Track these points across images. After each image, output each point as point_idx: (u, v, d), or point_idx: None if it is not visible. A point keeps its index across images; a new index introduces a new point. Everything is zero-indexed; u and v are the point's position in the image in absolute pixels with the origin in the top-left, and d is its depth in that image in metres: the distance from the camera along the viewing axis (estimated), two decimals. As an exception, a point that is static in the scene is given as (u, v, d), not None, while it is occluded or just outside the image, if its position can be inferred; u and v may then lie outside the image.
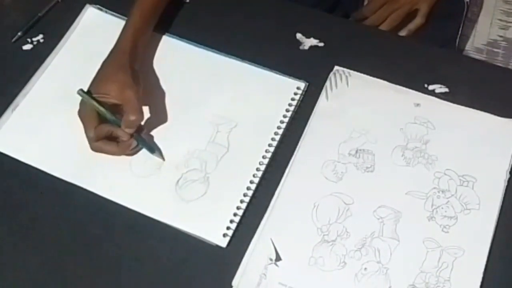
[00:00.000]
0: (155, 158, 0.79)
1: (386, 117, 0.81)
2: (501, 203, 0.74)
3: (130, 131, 0.76)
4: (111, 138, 0.77)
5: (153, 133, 0.81)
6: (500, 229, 0.73)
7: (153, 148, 0.79)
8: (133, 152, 0.79)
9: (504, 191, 0.75)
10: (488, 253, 0.71)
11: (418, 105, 0.82)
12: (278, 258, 0.72)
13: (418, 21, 0.97)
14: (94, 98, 0.76)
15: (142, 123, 0.78)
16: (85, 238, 0.74)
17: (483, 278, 0.70)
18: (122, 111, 0.76)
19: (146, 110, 0.80)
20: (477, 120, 0.80)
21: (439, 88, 0.83)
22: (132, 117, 0.75)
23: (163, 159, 0.79)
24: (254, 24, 0.90)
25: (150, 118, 0.81)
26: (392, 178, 0.77)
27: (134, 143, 0.77)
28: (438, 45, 0.92)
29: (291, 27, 0.89)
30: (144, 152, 0.79)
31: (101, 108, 0.76)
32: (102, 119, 0.77)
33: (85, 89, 0.77)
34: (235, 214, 0.74)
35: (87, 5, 0.92)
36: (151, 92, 0.84)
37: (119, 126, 0.76)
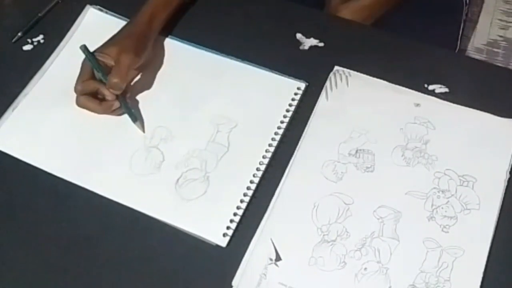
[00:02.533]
0: (154, 157, 0.79)
1: (386, 117, 0.81)
2: (501, 203, 0.74)
3: (114, 92, 0.79)
4: (98, 99, 0.81)
5: (153, 132, 0.81)
6: (500, 229, 0.73)
7: (136, 117, 0.81)
8: (115, 113, 0.81)
9: (504, 191, 0.75)
10: (488, 253, 0.71)
11: (418, 105, 0.82)
12: (278, 258, 0.72)
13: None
14: (94, 57, 0.80)
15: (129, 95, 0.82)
16: (85, 237, 0.74)
17: (483, 278, 0.70)
18: None
19: (148, 103, 0.81)
20: (477, 120, 0.80)
21: (439, 88, 0.83)
22: (115, 79, 0.78)
23: (143, 131, 0.81)
24: (254, 24, 0.90)
25: (150, 117, 0.82)
26: (392, 178, 0.77)
27: (117, 104, 0.80)
28: (438, 45, 0.92)
29: (291, 27, 0.89)
30: (143, 151, 0.79)
31: (94, 63, 0.79)
32: (96, 79, 0.80)
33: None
34: (235, 214, 0.74)
35: (88, 6, 0.92)
36: (151, 92, 0.84)
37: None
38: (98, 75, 0.80)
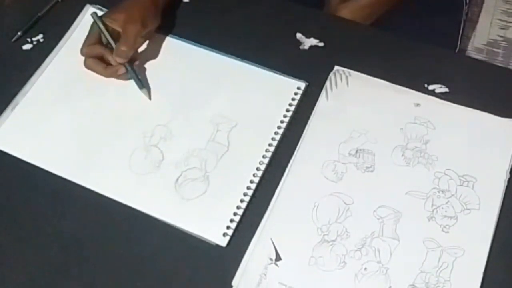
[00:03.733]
0: (154, 155, 0.79)
1: (386, 117, 0.81)
2: (501, 203, 0.74)
3: (119, 60, 0.82)
4: (105, 62, 0.83)
5: (152, 131, 0.81)
6: (500, 229, 0.73)
7: (142, 84, 0.83)
8: (121, 78, 0.84)
9: (504, 191, 0.75)
10: (488, 253, 0.71)
11: (418, 105, 0.82)
12: (278, 258, 0.72)
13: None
14: (102, 22, 0.83)
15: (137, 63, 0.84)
16: (84, 235, 0.74)
17: (483, 278, 0.70)
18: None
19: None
20: (477, 120, 0.80)
21: (439, 88, 0.83)
22: (123, 47, 0.81)
23: (150, 98, 0.83)
24: (254, 24, 0.90)
25: (150, 116, 0.82)
26: (392, 178, 0.77)
27: (122, 70, 0.83)
28: (438, 45, 0.92)
29: (291, 27, 0.89)
30: (143, 150, 0.79)
31: (101, 27, 0.82)
32: (103, 43, 0.83)
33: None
34: (235, 214, 0.74)
35: (87, 5, 0.92)
36: (151, 91, 0.84)
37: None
38: (105, 39, 0.82)
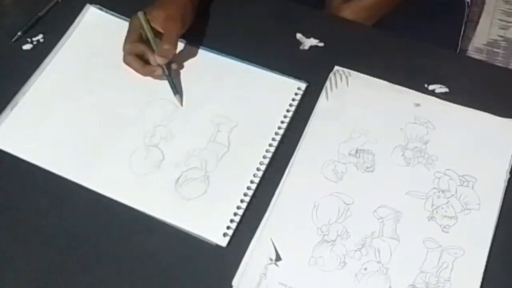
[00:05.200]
0: (154, 155, 0.79)
1: (386, 117, 0.81)
2: (501, 203, 0.74)
3: (162, 60, 0.81)
4: (144, 60, 0.82)
5: (153, 131, 0.81)
6: (500, 229, 0.73)
7: (177, 89, 0.82)
8: (157, 78, 0.83)
9: (504, 191, 0.75)
10: (488, 253, 0.71)
11: (418, 105, 0.82)
12: (278, 258, 0.72)
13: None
14: (147, 20, 0.82)
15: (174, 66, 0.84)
16: (84, 235, 0.74)
17: (483, 278, 0.70)
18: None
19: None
20: (477, 120, 0.80)
21: (439, 88, 0.83)
22: (167, 46, 0.81)
23: (181, 104, 0.83)
24: (254, 24, 0.90)
25: (150, 115, 0.82)
26: (392, 178, 0.77)
27: (159, 71, 0.82)
28: (438, 45, 0.92)
29: (291, 27, 0.89)
30: (143, 150, 0.79)
31: (146, 26, 0.82)
32: (143, 41, 0.83)
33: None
34: (235, 214, 0.74)
35: (88, 5, 0.92)
36: (152, 92, 0.84)
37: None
38: (145, 37, 0.82)
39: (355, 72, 0.85)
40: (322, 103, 0.83)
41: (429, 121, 0.81)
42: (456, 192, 0.76)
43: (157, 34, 0.83)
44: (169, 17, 0.82)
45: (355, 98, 0.83)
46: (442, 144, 0.79)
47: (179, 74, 0.85)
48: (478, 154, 0.78)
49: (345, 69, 0.85)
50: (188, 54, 0.87)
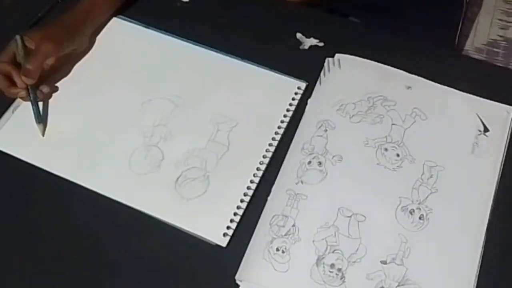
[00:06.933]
0: (154, 155, 0.79)
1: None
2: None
3: (25, 80, 0.78)
4: (12, 81, 0.79)
5: (152, 130, 0.81)
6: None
7: (39, 117, 0.80)
8: (23, 99, 0.81)
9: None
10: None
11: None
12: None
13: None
14: (21, 40, 0.79)
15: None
16: (85, 236, 0.74)
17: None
18: None
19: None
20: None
21: (439, 88, 0.83)
22: (28, 66, 0.78)
23: (43, 134, 0.80)
24: (254, 24, 0.90)
25: (150, 115, 0.82)
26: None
27: (22, 93, 0.79)
28: (438, 45, 0.92)
29: (291, 27, 0.89)
30: (143, 150, 0.79)
31: (19, 44, 0.79)
32: (15, 62, 0.80)
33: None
34: (235, 214, 0.74)
35: (87, 5, 0.92)
36: (151, 90, 0.84)
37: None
38: (19, 57, 0.80)
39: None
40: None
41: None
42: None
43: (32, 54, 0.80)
44: (45, 36, 0.79)
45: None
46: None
47: (48, 103, 0.83)
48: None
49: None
50: (188, 53, 0.87)
